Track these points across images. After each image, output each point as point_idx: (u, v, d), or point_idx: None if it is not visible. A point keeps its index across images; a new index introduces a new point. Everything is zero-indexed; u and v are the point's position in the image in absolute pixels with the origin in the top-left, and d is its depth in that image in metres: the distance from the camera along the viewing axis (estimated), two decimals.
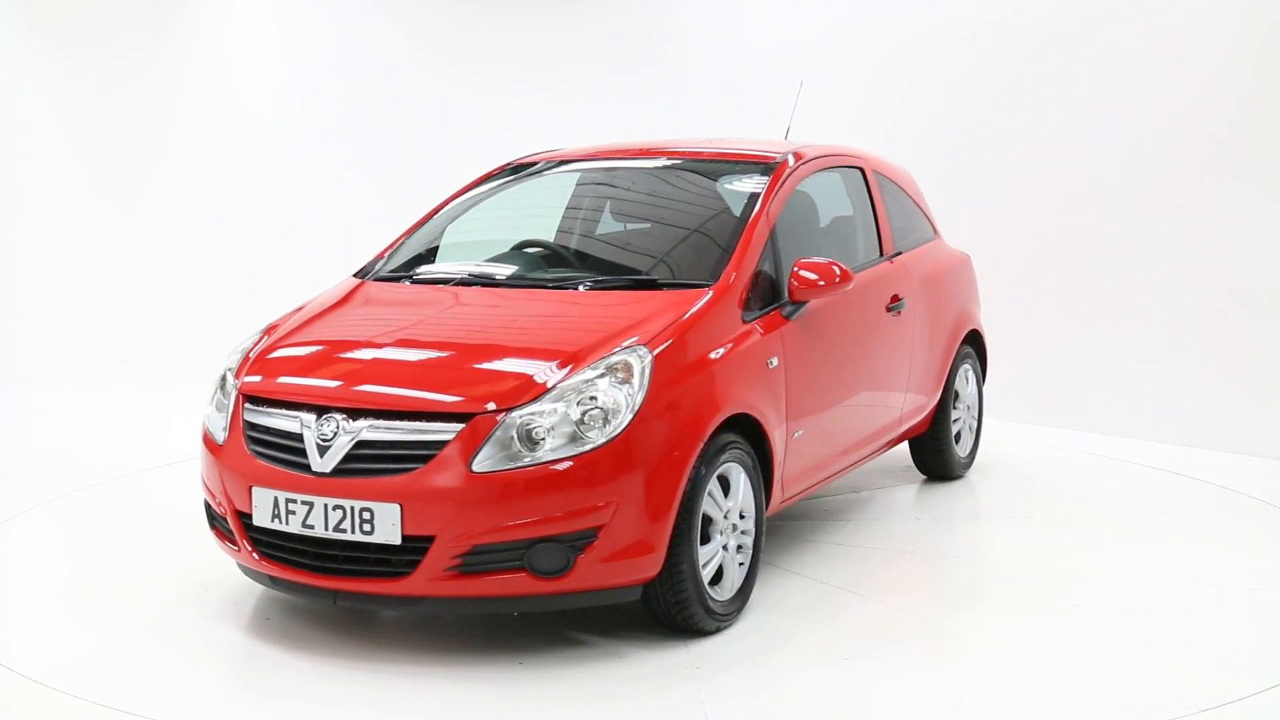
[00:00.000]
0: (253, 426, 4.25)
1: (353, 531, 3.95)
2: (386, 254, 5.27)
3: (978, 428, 6.66)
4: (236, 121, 10.76)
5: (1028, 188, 8.01)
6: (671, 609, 4.19)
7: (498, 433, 3.93)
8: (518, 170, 5.68)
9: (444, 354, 4.32)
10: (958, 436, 6.42)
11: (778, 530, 5.54)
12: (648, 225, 5.38)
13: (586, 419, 3.98)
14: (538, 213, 5.52)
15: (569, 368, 4.08)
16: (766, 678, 4.04)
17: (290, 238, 10.70)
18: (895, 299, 5.63)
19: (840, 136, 6.81)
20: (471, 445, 3.91)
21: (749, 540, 4.50)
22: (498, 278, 4.93)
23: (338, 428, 4.02)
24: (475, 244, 5.30)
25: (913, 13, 8.43)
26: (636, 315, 4.37)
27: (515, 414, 3.95)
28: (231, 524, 4.26)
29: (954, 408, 6.35)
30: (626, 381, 4.07)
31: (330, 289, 5.07)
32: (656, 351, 4.16)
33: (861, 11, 8.70)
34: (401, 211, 6.70)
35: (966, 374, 6.47)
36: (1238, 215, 7.14)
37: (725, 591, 4.37)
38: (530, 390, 4.00)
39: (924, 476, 6.47)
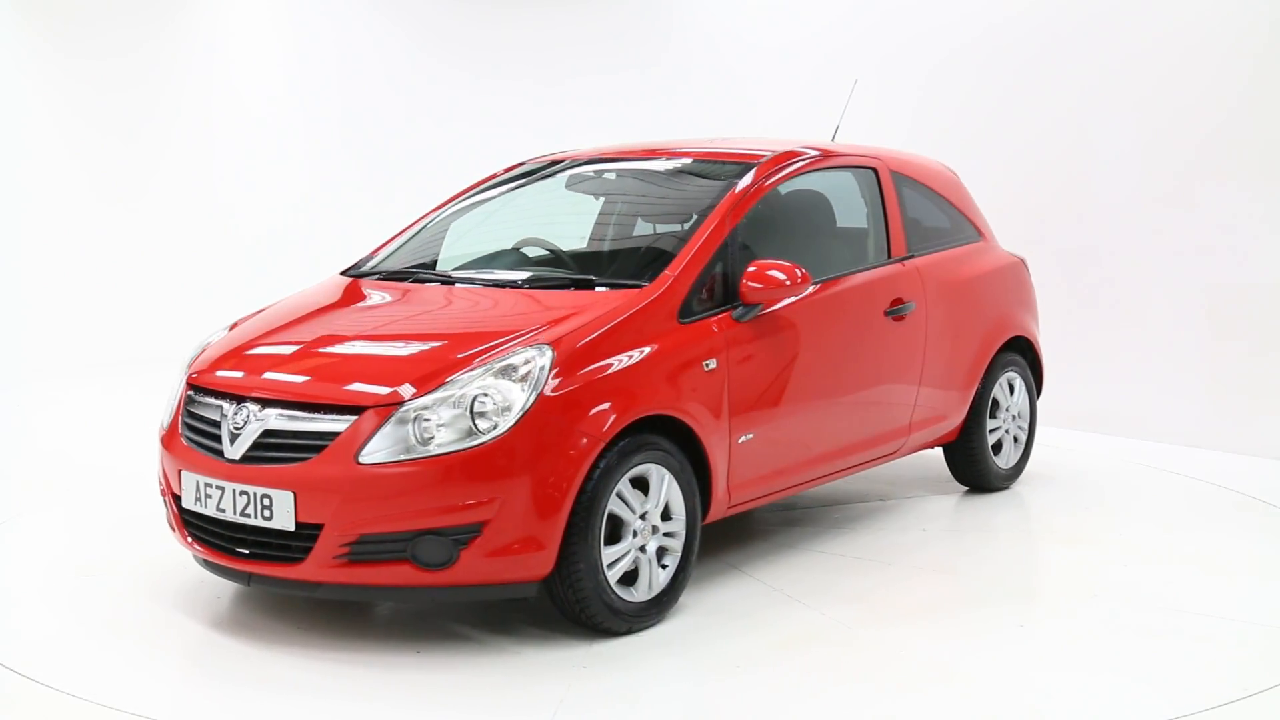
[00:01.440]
0: (189, 414, 4.51)
1: (255, 517, 4.14)
2: (374, 254, 5.45)
3: (1028, 439, 6.36)
4: (236, 121, 10.81)
5: (1024, 186, 7.75)
6: (572, 607, 4.21)
7: (388, 425, 4.04)
8: (511, 173, 5.77)
9: (361, 348, 4.49)
10: (998, 447, 6.14)
11: (763, 534, 5.46)
12: (628, 225, 5.39)
13: (479, 414, 4.05)
14: (527, 214, 5.58)
15: (468, 363, 4.15)
16: (646, 681, 4.01)
17: (290, 237, 10.72)
18: (898, 302, 5.45)
19: (894, 136, 6.65)
20: (363, 437, 4.03)
21: (676, 544, 4.46)
22: (453, 276, 5.03)
23: (248, 416, 4.22)
24: (464, 244, 5.42)
25: (919, 11, 8.22)
26: (555, 313, 4.41)
27: (406, 407, 4.05)
28: (170, 507, 4.52)
29: (993, 417, 6.09)
30: (524, 379, 4.11)
31: (308, 287, 5.29)
32: (563, 351, 4.19)
33: (866, 10, 8.47)
34: (401, 211, 6.88)
35: (1012, 382, 6.18)
36: (1238, 214, 6.88)
37: (640, 593, 4.35)
38: (425, 384, 4.10)
39: (965, 487, 6.24)
